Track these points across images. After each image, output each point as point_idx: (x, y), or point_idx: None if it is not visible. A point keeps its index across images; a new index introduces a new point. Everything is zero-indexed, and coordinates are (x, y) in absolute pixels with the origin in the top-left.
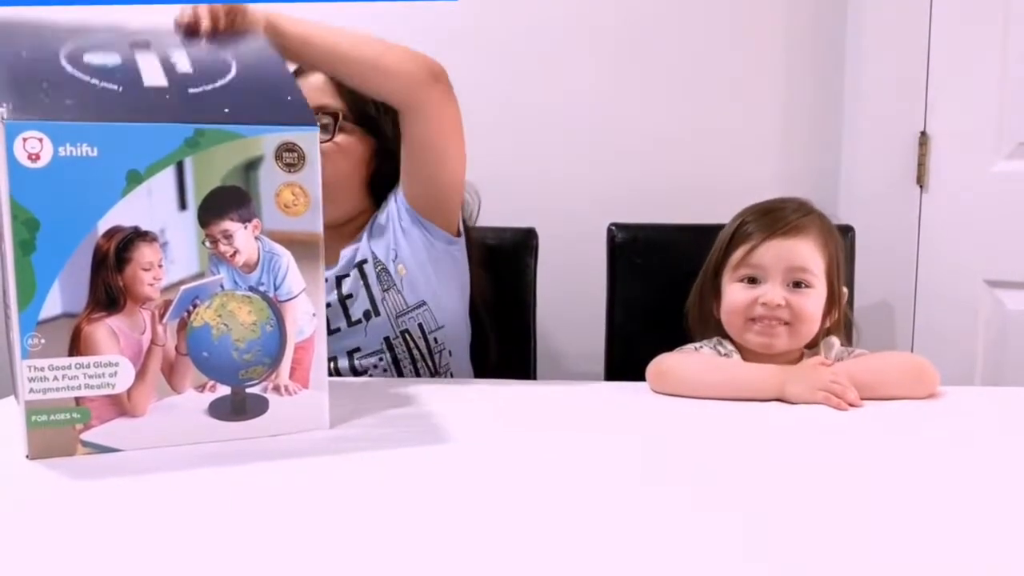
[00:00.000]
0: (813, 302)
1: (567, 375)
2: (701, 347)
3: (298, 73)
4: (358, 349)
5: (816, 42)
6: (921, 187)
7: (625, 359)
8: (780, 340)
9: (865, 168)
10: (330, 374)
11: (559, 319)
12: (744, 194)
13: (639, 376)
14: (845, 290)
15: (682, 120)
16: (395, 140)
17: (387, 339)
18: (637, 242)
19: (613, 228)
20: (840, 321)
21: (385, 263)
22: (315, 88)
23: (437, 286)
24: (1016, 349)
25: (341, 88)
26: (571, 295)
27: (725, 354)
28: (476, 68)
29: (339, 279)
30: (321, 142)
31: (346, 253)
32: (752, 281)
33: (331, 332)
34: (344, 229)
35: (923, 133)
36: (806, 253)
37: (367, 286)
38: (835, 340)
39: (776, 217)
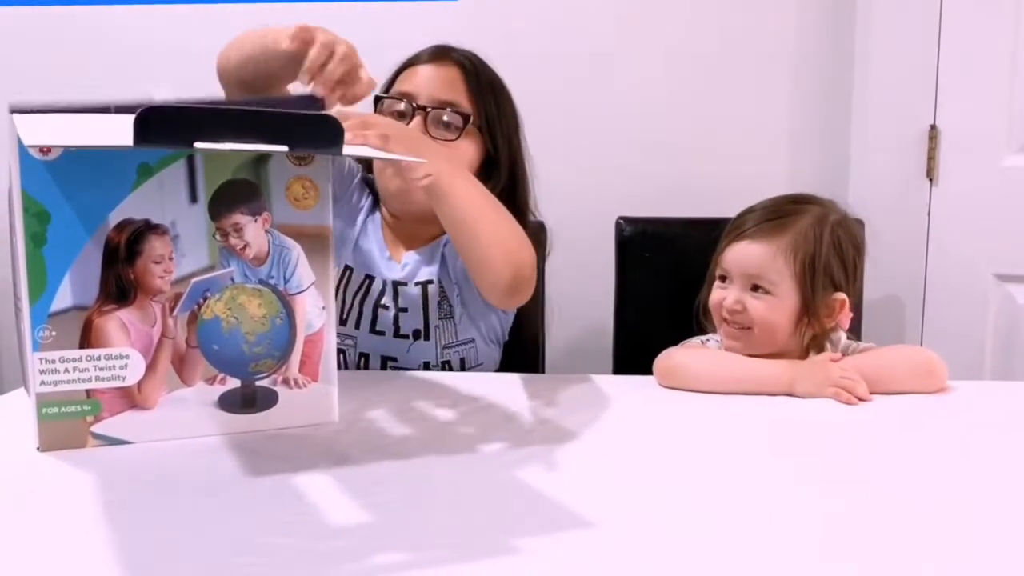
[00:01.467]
0: (772, 308)
1: (575, 367)
2: (708, 340)
3: (428, 60)
4: (394, 359)
5: (826, 36)
6: (931, 180)
7: (633, 352)
8: (741, 344)
9: (875, 161)
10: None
11: (568, 312)
12: (753, 188)
13: (647, 370)
14: (841, 296)
15: (693, 115)
16: (504, 153)
17: (426, 363)
18: (645, 236)
19: (621, 222)
20: (832, 329)
21: (449, 297)
22: (447, 82)
23: (487, 331)
24: None
25: (473, 87)
26: (580, 288)
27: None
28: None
29: (396, 285)
30: (446, 140)
31: (413, 259)
32: (723, 279)
33: (374, 331)
34: (422, 229)
35: (933, 127)
36: (765, 260)
37: (425, 308)
38: (842, 334)
39: (760, 217)
